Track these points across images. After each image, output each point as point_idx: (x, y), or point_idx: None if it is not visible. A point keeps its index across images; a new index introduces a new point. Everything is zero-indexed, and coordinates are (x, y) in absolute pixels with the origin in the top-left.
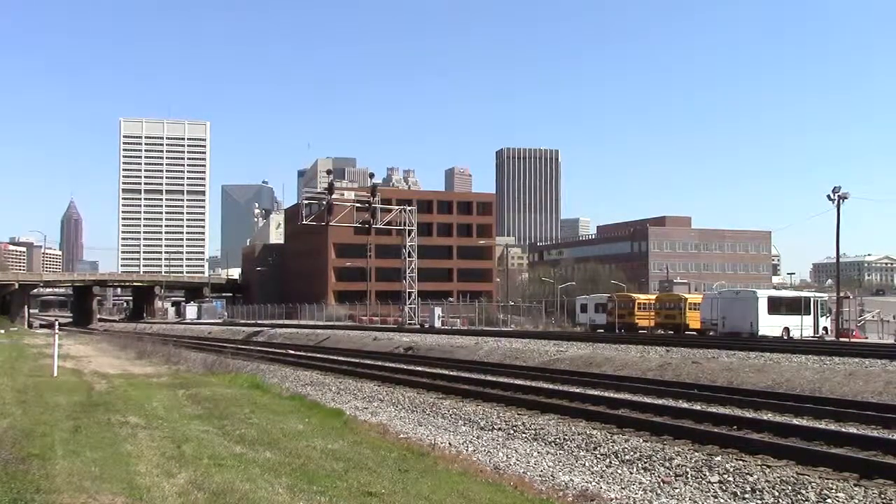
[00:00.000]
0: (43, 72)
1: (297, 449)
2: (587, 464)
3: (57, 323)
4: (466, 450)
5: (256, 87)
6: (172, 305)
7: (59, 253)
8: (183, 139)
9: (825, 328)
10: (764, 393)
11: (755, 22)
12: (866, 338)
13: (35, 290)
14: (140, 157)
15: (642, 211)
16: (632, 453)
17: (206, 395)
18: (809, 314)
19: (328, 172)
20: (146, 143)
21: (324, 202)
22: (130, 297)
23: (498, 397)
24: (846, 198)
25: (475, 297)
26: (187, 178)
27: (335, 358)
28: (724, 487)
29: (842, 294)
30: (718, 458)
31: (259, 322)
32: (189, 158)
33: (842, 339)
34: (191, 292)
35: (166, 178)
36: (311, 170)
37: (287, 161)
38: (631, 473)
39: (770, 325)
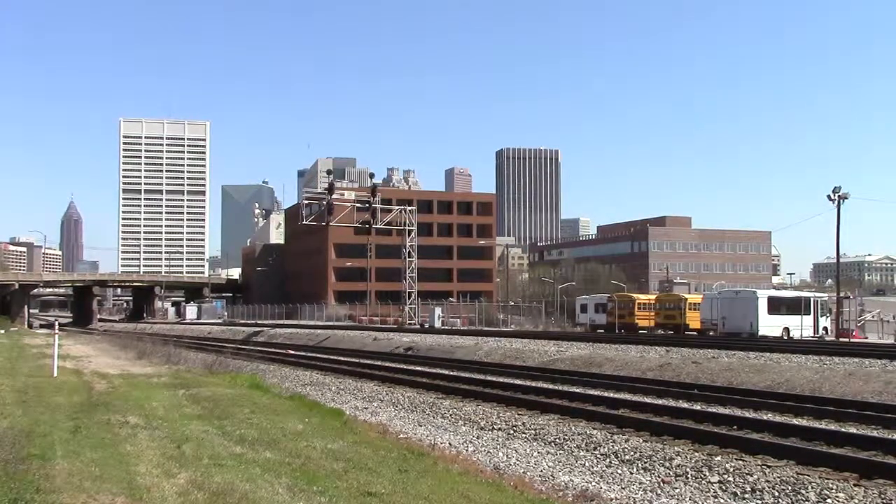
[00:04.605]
0: (43, 72)
1: (297, 449)
2: (587, 464)
3: (57, 323)
4: (466, 450)
5: (256, 87)
6: (172, 305)
7: (59, 253)
8: (183, 139)
9: (825, 328)
10: (764, 393)
11: (755, 22)
12: (866, 338)
13: (35, 291)
14: (140, 157)
15: (642, 211)
16: (632, 453)
17: (206, 395)
18: (809, 314)
19: (328, 172)
20: (146, 143)
21: (324, 202)
22: (130, 298)
23: (498, 397)
24: (846, 198)
25: (475, 297)
26: (187, 178)
27: (335, 358)
28: (724, 487)
29: (842, 294)
30: (718, 458)
31: (259, 322)
32: (189, 158)
33: (842, 339)
34: (191, 292)
35: (166, 178)
36: (311, 170)
37: (287, 161)
38: (631, 473)
39: (770, 325)
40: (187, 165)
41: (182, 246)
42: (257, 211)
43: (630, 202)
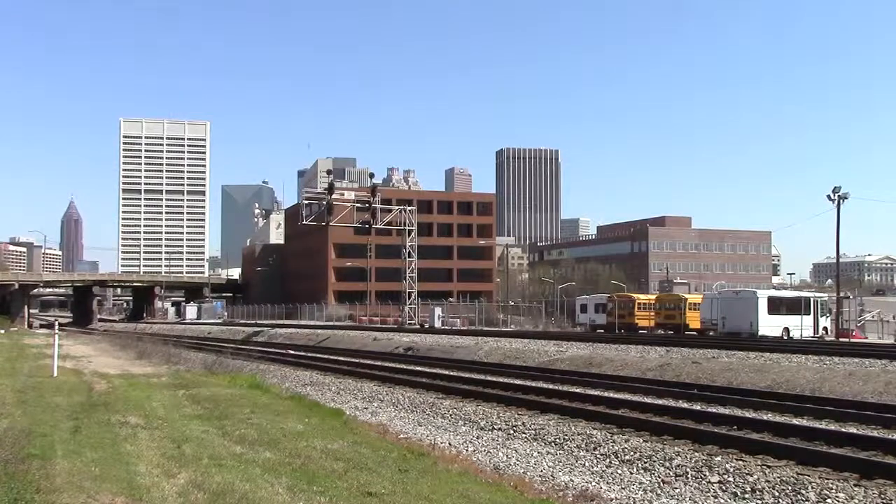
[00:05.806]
0: (43, 71)
1: (296, 449)
2: (587, 464)
3: (57, 323)
4: (466, 450)
5: (256, 87)
6: (172, 305)
7: (59, 253)
8: (183, 139)
9: (825, 328)
10: (764, 393)
11: (755, 22)
12: (866, 338)
13: (35, 291)
14: (140, 157)
15: (642, 211)
16: (632, 453)
17: (206, 395)
18: (809, 314)
19: (328, 172)
20: (146, 143)
21: (324, 202)
22: (130, 298)
23: (498, 397)
24: (846, 198)
25: (475, 297)
26: (187, 178)
27: (335, 358)
28: (724, 487)
29: (842, 294)
30: (718, 458)
31: (259, 322)
32: (189, 158)
33: (842, 339)
34: (191, 292)
35: (166, 178)
36: (311, 170)
37: (287, 161)
38: (631, 473)
39: (770, 325)
40: (187, 165)
41: (182, 246)
42: (257, 211)
43: (630, 202)
